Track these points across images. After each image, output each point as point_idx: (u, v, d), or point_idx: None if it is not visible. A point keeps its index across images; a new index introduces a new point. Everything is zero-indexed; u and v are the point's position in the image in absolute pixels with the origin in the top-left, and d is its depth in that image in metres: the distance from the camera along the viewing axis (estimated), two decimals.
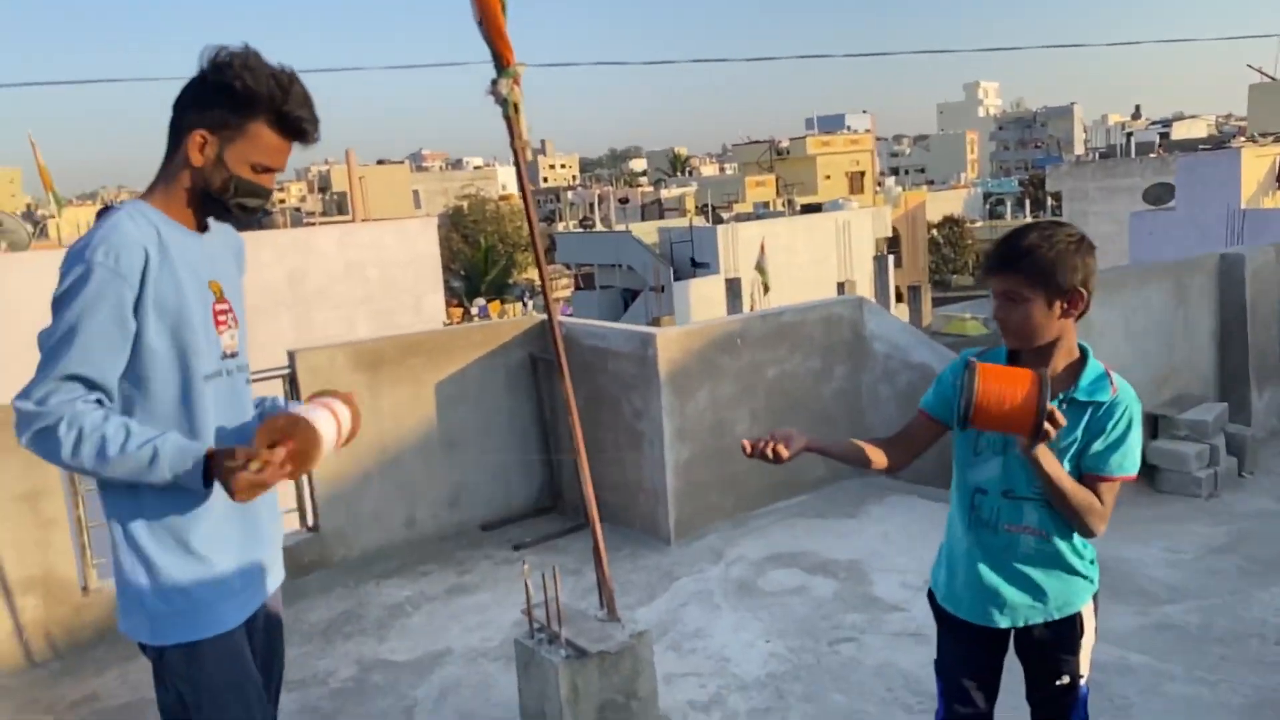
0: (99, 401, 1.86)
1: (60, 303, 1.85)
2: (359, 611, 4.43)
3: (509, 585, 4.59)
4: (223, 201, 1.99)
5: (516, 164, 2.94)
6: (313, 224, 21.78)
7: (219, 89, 1.91)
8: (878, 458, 2.27)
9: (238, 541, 2.04)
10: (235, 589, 2.03)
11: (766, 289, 22.19)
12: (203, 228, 2.05)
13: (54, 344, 1.84)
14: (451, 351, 5.25)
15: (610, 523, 5.08)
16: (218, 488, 1.91)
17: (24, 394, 1.84)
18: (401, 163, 69.61)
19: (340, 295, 14.24)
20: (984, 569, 2.17)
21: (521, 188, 3.02)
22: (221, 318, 2.03)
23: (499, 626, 4.17)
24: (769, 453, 2.12)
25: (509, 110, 2.85)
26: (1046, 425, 1.92)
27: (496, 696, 3.61)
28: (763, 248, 22.34)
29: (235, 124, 1.94)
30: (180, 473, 1.86)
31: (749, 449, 2.14)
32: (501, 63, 2.80)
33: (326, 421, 2.01)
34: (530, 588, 3.37)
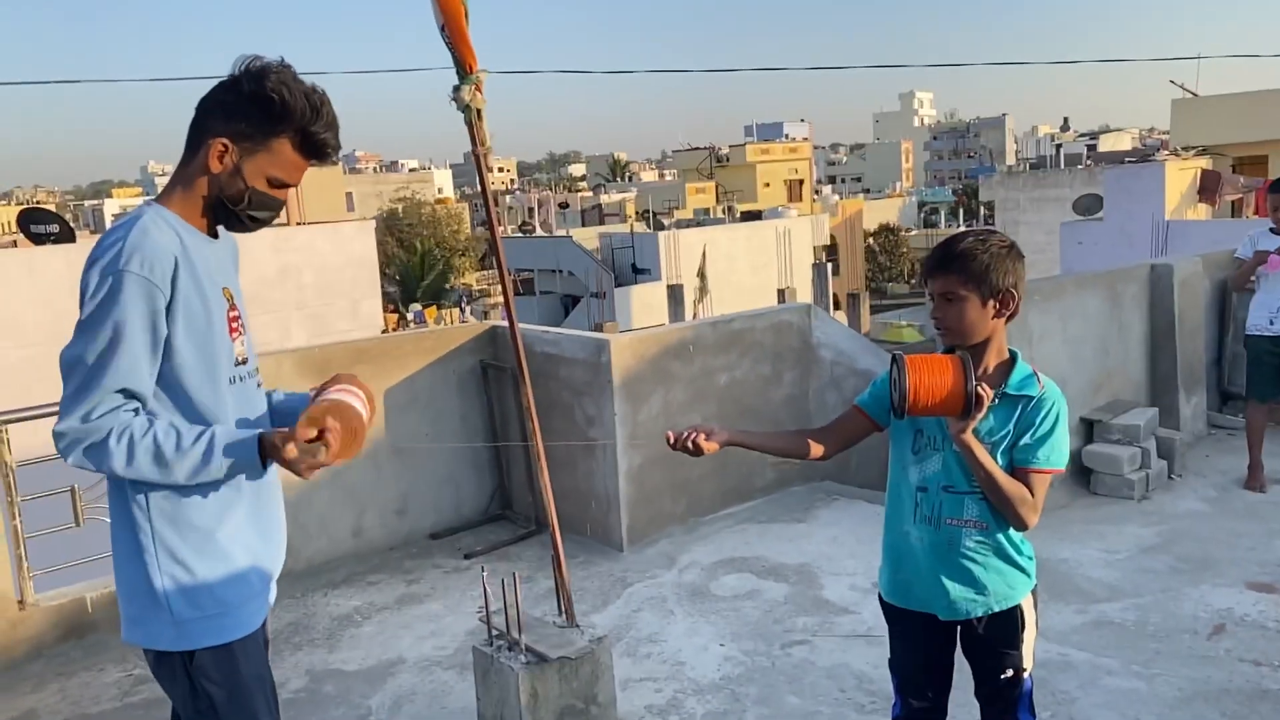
0: (136, 410, 1.86)
1: (96, 317, 1.82)
2: (307, 622, 4.36)
3: (460, 594, 4.56)
4: (235, 212, 1.99)
5: (479, 170, 2.94)
6: None
7: (253, 100, 1.91)
8: (802, 446, 2.37)
9: (256, 538, 2.05)
10: (257, 589, 2.05)
11: (703, 294, 22.33)
12: (213, 234, 2.05)
13: (96, 358, 1.82)
14: (400, 358, 5.20)
15: (563, 530, 5.07)
16: (243, 481, 1.96)
17: (66, 414, 1.83)
18: (334, 163, 68.49)
19: (274, 300, 13.96)
20: (928, 564, 2.25)
21: (484, 192, 3.02)
22: (234, 324, 2.02)
23: (452, 635, 4.15)
24: (690, 444, 2.21)
25: (471, 116, 2.85)
26: (977, 401, 2.06)
27: (453, 704, 3.59)
28: (704, 255, 22.50)
29: (260, 137, 1.94)
30: (234, 460, 1.87)
31: (672, 439, 2.23)
32: (464, 69, 2.80)
33: (360, 405, 2.02)
34: (489, 594, 3.36)
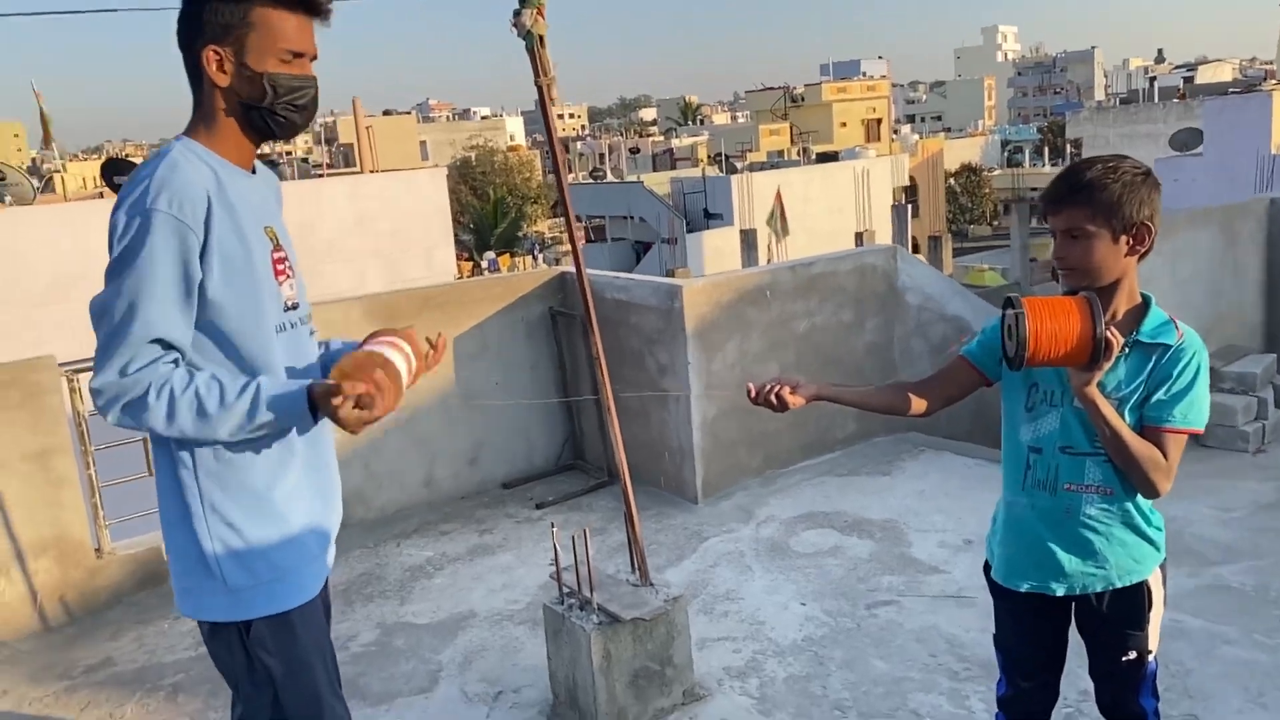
0: (175, 362, 1.71)
1: (123, 260, 1.66)
2: (379, 573, 4.31)
3: (533, 545, 4.46)
4: (268, 109, 1.79)
5: (540, 100, 2.74)
6: (321, 175, 21.50)
7: None
8: (902, 401, 2.15)
9: (312, 498, 1.91)
10: (314, 552, 1.92)
11: (780, 236, 21.78)
12: (251, 169, 1.88)
13: (125, 307, 1.66)
14: (469, 305, 5.08)
15: (635, 481, 4.93)
16: (295, 435, 1.83)
17: (100, 369, 1.68)
18: (408, 113, 68.89)
19: (350, 248, 14.07)
20: (1040, 533, 2.02)
21: (547, 125, 2.82)
22: (280, 266, 1.85)
23: (524, 588, 4.05)
24: (773, 399, 2.02)
25: (533, 43, 2.64)
26: (1105, 348, 1.81)
27: (524, 661, 3.49)
28: (779, 198, 21.95)
29: (238, 22, 1.75)
30: (282, 413, 1.72)
31: (753, 393, 2.04)
32: None
33: (400, 360, 1.85)
34: (559, 550, 3.22)
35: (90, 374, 1.73)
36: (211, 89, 1.78)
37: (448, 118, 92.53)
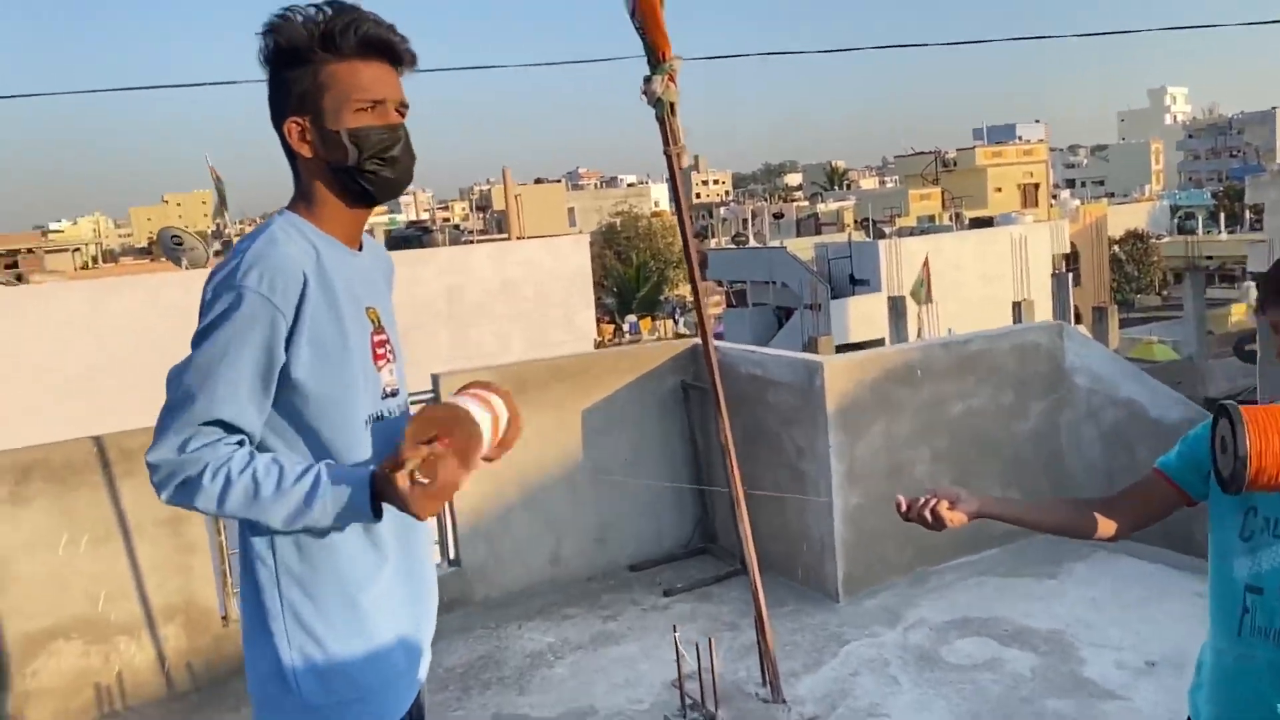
0: (240, 443, 1.57)
1: (204, 335, 1.55)
2: (499, 657, 4.13)
3: (658, 637, 4.19)
4: (356, 168, 1.65)
5: (670, 168, 2.55)
6: (470, 242, 22.25)
7: (271, 60, 1.63)
8: (1084, 521, 1.82)
9: (405, 604, 1.73)
10: (403, 669, 1.72)
11: (921, 303, 20.92)
12: (359, 243, 1.75)
13: (195, 382, 1.54)
14: (599, 377, 4.92)
15: (770, 572, 4.61)
16: (385, 531, 1.65)
17: (158, 443, 1.55)
18: (558, 181, 71.10)
19: (496, 312, 14.37)
20: (1263, 694, 1.63)
21: (675, 194, 2.63)
22: (380, 350, 1.70)
23: (648, 685, 3.77)
24: (928, 515, 1.74)
25: (663, 111, 2.47)
26: None
27: None
28: (926, 266, 21.20)
29: (310, 85, 1.62)
30: (344, 503, 1.55)
31: (904, 507, 1.77)
32: (656, 57, 2.41)
33: (481, 413, 1.64)
34: (682, 654, 2.95)
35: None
36: (304, 164, 1.67)
37: (595, 185, 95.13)
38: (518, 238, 17.81)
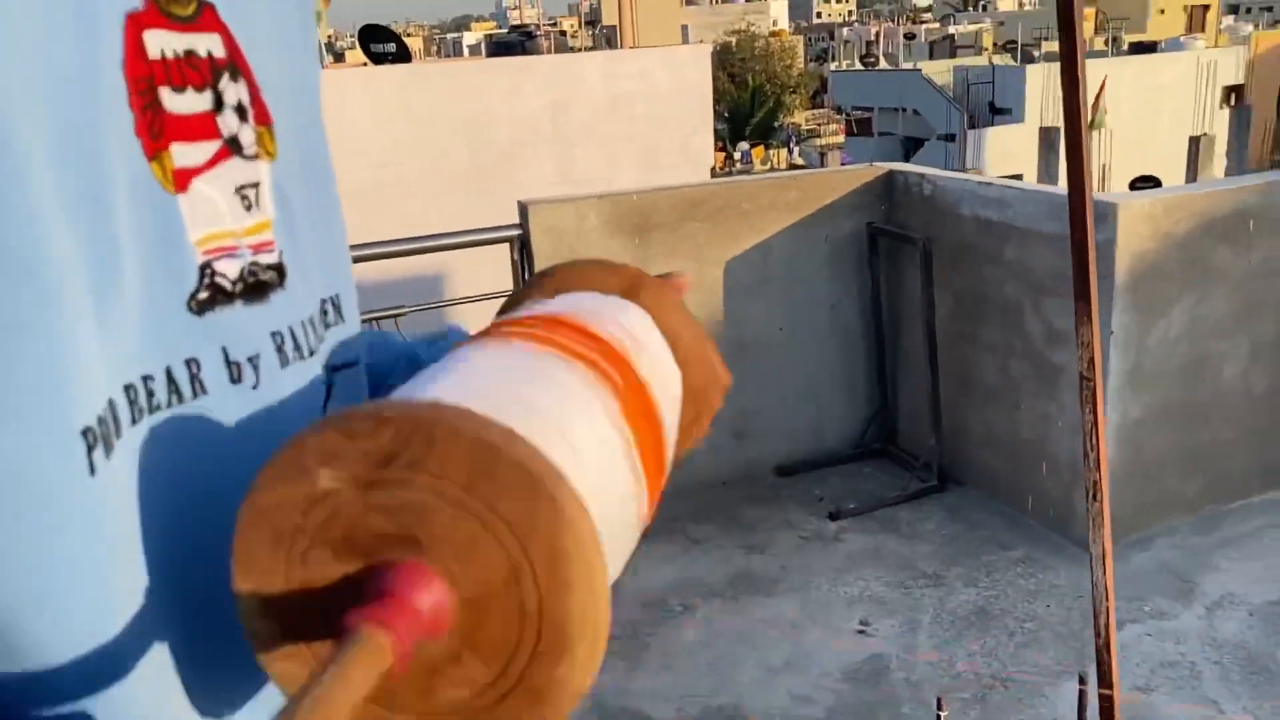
0: None
1: None
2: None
3: (828, 587, 2.97)
4: None
5: None
6: (576, 49, 20.43)
7: None
8: None
9: None
10: None
11: (1099, 125, 18.25)
12: None
13: None
14: (751, 215, 3.53)
15: (980, 493, 3.31)
16: None
17: None
18: None
19: (603, 132, 12.93)
20: None
21: None
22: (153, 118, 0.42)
23: (820, 671, 2.58)
24: None
25: None
26: None
27: None
28: (1102, 89, 18.48)
29: None
30: None
31: None
32: None
33: (669, 409, 0.43)
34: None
35: None
36: None
37: (711, 1, 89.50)
38: (630, 48, 15.99)
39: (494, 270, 3.48)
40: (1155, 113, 23.52)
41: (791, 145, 42.15)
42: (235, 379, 0.42)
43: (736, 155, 40.68)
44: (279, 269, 0.45)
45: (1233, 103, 25.90)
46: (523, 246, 3.24)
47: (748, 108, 42.69)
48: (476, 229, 3.32)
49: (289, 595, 0.33)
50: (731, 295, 3.53)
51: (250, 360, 0.42)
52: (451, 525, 0.31)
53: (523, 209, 3.22)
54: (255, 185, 0.44)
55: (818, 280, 3.65)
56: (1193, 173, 18.71)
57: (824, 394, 3.77)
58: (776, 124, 44.33)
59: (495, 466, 0.31)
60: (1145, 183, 16.61)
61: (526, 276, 3.27)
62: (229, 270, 0.42)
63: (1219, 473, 3.09)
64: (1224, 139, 20.72)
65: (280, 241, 0.45)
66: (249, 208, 0.43)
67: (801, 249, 3.59)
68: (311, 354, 0.47)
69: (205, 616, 0.39)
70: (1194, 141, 18.80)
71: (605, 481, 0.37)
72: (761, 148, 41.62)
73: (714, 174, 15.49)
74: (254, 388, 0.42)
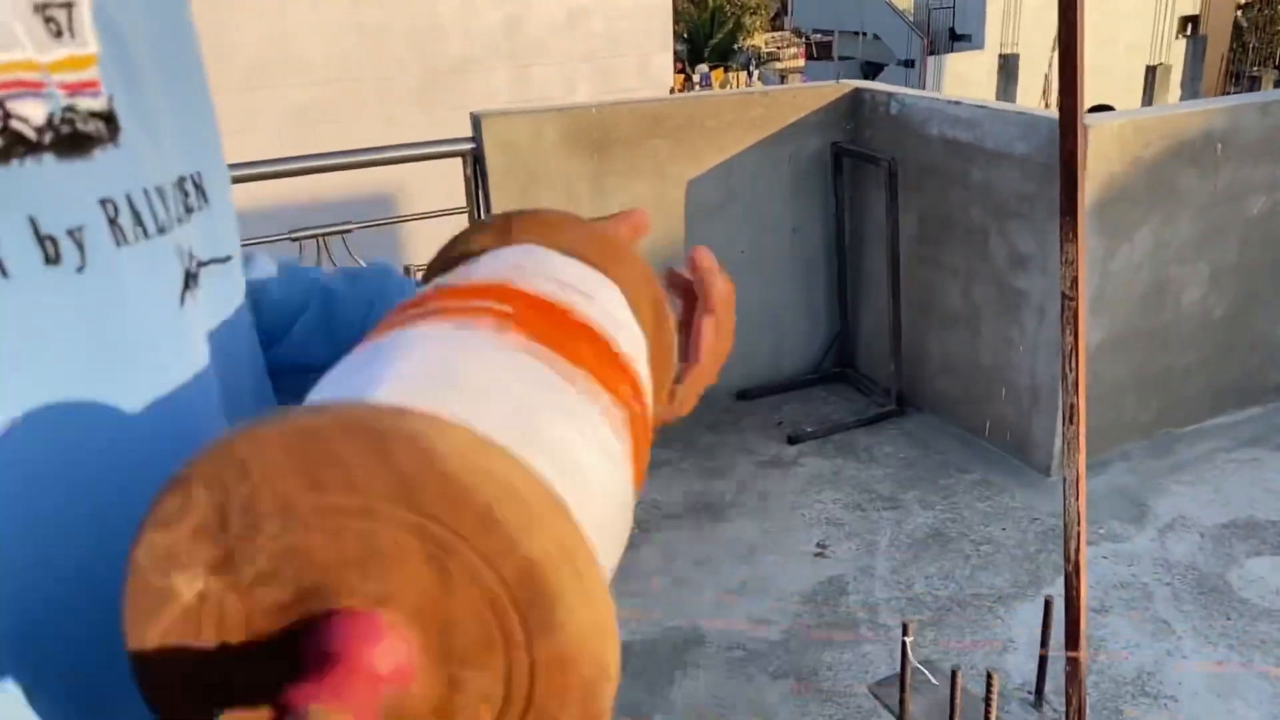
0: None
1: None
2: None
3: (786, 511, 2.96)
4: None
5: None
6: None
7: None
8: None
9: None
10: None
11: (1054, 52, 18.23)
12: None
13: None
14: (712, 133, 3.42)
15: (939, 418, 3.31)
16: None
17: None
18: None
19: (559, 50, 12.56)
20: None
21: None
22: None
23: (777, 594, 2.58)
24: None
25: None
26: None
27: None
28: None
29: None
30: None
31: None
32: None
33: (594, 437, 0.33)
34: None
35: None
36: None
37: None
38: None
39: (448, 187, 3.36)
40: (1111, 40, 23.47)
41: (751, 68, 41.55)
42: (52, 258, 0.32)
43: (696, 78, 40.04)
44: (108, 118, 0.35)
45: (1189, 33, 25.96)
46: (476, 162, 3.12)
47: (707, 28, 41.89)
48: (427, 141, 3.19)
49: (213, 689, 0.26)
50: (693, 217, 3.44)
51: (71, 234, 0.33)
52: (331, 544, 0.24)
53: (475, 121, 3.08)
54: (66, 5, 0.34)
55: (781, 201, 3.57)
56: (1148, 101, 18.77)
57: (784, 318, 3.73)
58: (736, 46, 43.57)
59: (321, 446, 0.23)
60: (1100, 111, 16.67)
61: (480, 195, 3.15)
62: (31, 114, 0.32)
63: (1174, 397, 3.11)
64: (1180, 69, 20.76)
65: (109, 85, 0.35)
66: (57, 33, 0.33)
67: (765, 169, 3.50)
68: (161, 232, 0.36)
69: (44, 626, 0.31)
70: (1150, 71, 18.82)
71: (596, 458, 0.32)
72: (721, 70, 40.98)
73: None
74: (79, 270, 0.33)
